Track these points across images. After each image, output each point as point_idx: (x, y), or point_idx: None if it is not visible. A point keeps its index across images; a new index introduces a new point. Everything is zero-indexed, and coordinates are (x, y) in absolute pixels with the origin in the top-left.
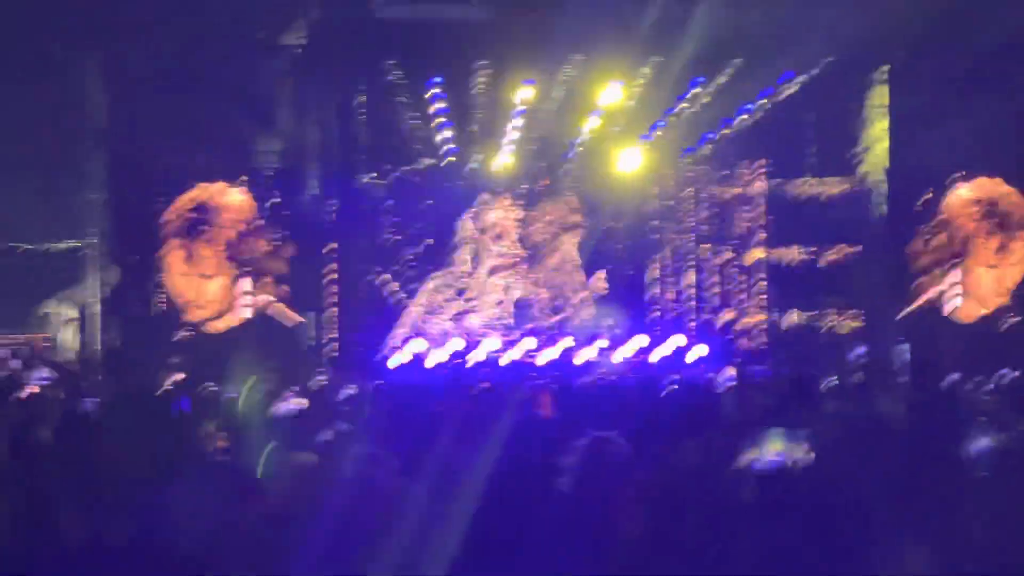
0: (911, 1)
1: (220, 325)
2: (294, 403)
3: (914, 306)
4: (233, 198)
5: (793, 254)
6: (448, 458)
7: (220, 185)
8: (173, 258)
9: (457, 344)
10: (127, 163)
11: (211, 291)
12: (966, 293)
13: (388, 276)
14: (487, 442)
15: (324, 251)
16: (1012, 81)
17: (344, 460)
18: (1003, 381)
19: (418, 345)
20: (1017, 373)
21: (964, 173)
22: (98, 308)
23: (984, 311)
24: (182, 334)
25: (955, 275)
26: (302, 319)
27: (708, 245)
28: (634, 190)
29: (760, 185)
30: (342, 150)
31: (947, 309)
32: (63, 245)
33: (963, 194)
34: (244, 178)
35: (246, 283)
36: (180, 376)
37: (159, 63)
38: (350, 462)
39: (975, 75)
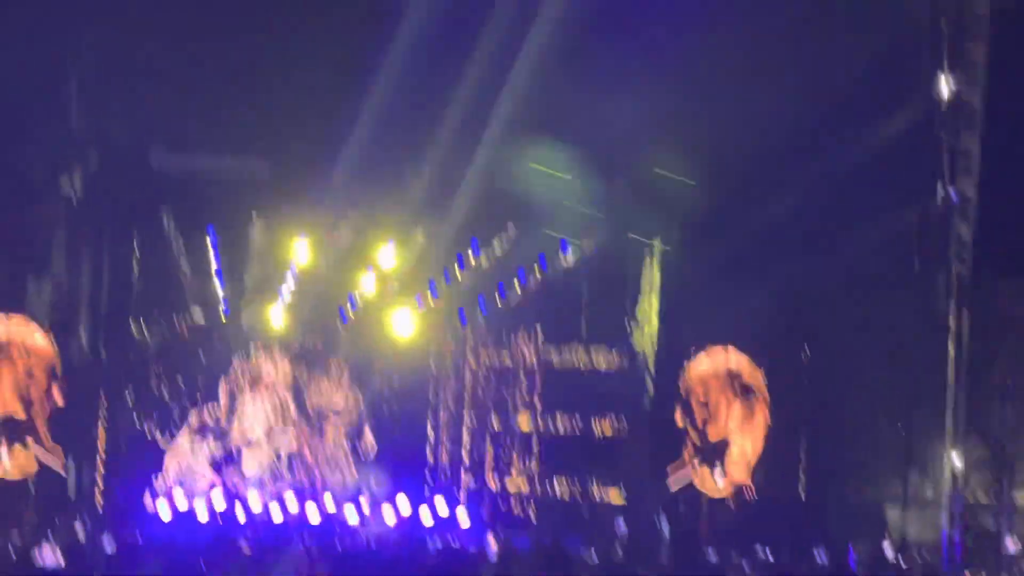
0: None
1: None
2: (53, 556)
3: (674, 484)
4: (35, 339)
5: (562, 423)
6: None
7: (20, 322)
8: None
9: (221, 498)
10: None
11: None
12: (718, 466)
13: (154, 427)
14: None
15: (94, 399)
16: (773, 261)
17: None
18: (757, 556)
19: (182, 497)
20: (768, 548)
21: (702, 346)
22: None
23: (734, 483)
24: None
25: (708, 449)
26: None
27: (479, 412)
28: (407, 350)
29: (533, 353)
30: (114, 297)
31: (702, 483)
32: None
33: (706, 367)
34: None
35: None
36: None
37: None
38: None
39: (739, 256)
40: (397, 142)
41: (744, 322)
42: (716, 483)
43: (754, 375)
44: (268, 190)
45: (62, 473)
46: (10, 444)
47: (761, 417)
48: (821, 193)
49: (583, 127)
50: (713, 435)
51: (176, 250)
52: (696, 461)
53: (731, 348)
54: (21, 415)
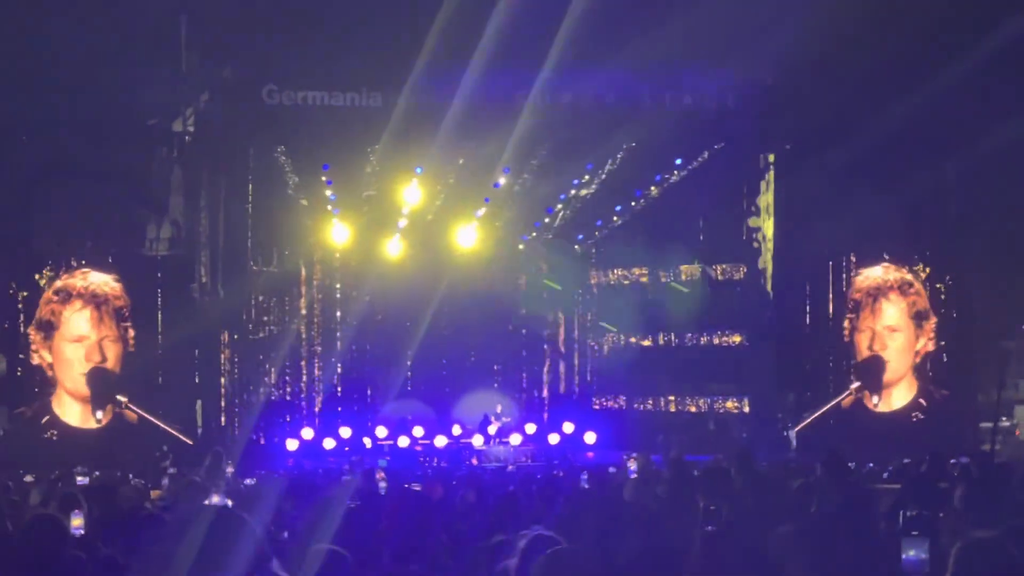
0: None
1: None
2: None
3: (835, 401)
4: (111, 287)
5: (685, 340)
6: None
7: (100, 275)
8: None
9: (349, 429)
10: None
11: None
12: (874, 380)
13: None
14: (417, 529)
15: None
16: (894, 169)
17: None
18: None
19: (309, 432)
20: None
21: (856, 261)
22: None
23: (891, 399)
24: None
25: (863, 363)
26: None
27: (597, 333)
28: (526, 275)
29: (650, 271)
30: (230, 237)
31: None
32: None
33: (863, 281)
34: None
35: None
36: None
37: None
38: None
39: (858, 166)
40: (508, 71)
41: (881, 234)
42: (872, 398)
43: (912, 288)
44: (382, 125)
45: (167, 428)
46: (105, 398)
47: (916, 330)
48: (959, 88)
49: (698, 42)
50: (869, 350)
51: (291, 186)
52: (852, 375)
53: (886, 262)
54: (116, 366)
